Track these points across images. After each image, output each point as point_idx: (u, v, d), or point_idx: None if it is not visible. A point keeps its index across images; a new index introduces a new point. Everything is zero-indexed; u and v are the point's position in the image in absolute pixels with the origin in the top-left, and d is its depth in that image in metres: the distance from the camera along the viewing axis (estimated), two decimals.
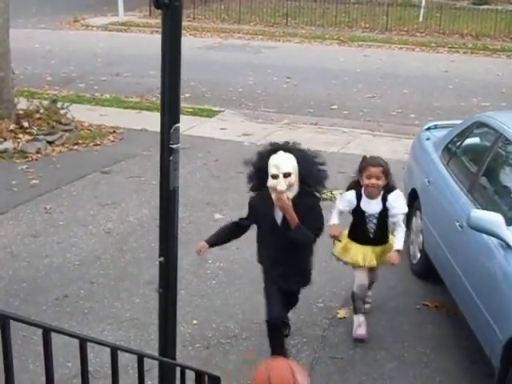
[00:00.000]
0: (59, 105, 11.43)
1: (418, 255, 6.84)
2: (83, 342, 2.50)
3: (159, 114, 3.10)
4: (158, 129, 3.20)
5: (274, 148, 4.95)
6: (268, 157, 4.89)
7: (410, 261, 7.05)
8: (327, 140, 11.68)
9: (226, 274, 6.82)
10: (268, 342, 5.15)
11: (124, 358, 4.52)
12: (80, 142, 10.98)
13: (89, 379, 2.60)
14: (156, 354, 3.27)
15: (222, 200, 8.72)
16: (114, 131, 11.66)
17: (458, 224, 5.60)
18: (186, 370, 3.12)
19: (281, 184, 4.76)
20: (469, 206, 5.49)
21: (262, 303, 5.24)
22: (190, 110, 13.02)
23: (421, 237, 6.77)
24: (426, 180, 6.84)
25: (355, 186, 5.68)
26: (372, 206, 5.60)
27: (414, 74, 17.23)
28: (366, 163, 5.57)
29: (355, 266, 5.77)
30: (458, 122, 7.29)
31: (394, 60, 19.81)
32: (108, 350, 2.82)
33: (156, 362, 3.20)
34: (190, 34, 23.24)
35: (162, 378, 3.06)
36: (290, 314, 5.60)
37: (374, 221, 5.64)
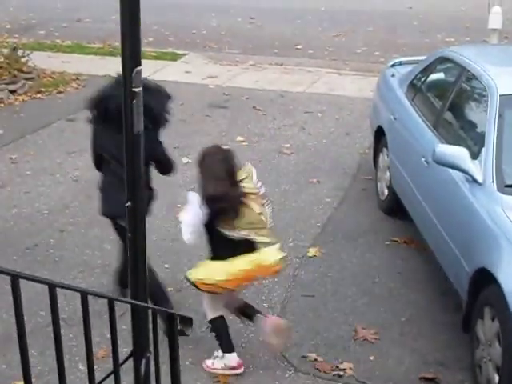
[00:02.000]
0: (20, 53, 11.17)
1: (386, 192, 6.90)
2: (52, 287, 2.50)
3: None
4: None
5: None
6: None
7: (377, 198, 7.12)
8: (293, 80, 11.65)
9: None
10: None
11: (97, 305, 4.55)
12: (43, 90, 10.82)
13: (60, 326, 2.60)
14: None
15: (189, 144, 8.68)
16: (77, 78, 11.50)
17: (424, 160, 5.64)
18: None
19: None
20: (434, 142, 5.53)
21: None
22: (154, 54, 12.83)
23: (388, 173, 6.81)
24: (391, 117, 6.86)
25: None
26: None
27: (379, 11, 17.10)
28: None
29: None
30: (423, 58, 7.30)
31: None
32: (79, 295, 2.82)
33: (130, 308, 3.23)
34: None
35: (134, 322, 3.07)
36: None
37: None
